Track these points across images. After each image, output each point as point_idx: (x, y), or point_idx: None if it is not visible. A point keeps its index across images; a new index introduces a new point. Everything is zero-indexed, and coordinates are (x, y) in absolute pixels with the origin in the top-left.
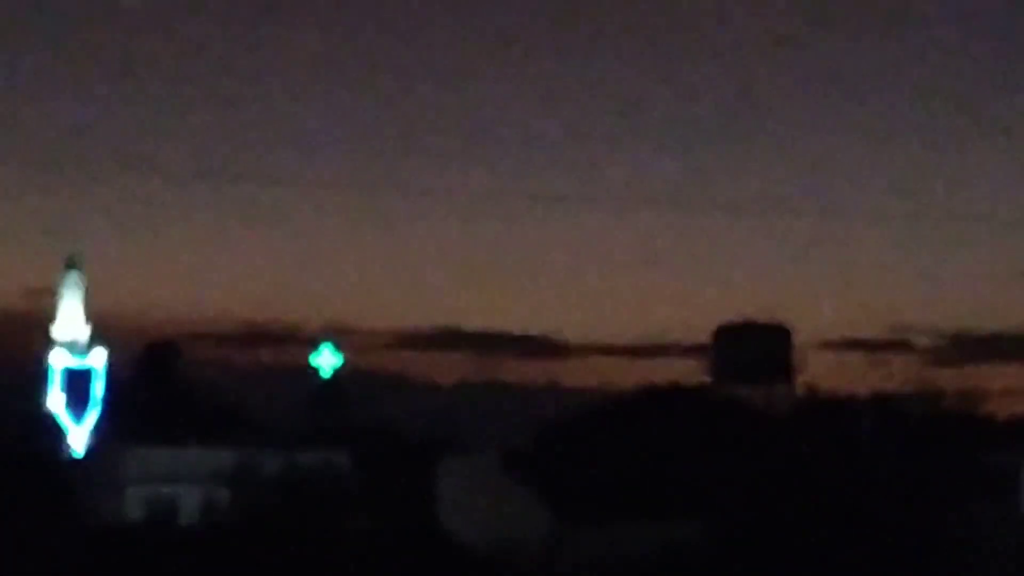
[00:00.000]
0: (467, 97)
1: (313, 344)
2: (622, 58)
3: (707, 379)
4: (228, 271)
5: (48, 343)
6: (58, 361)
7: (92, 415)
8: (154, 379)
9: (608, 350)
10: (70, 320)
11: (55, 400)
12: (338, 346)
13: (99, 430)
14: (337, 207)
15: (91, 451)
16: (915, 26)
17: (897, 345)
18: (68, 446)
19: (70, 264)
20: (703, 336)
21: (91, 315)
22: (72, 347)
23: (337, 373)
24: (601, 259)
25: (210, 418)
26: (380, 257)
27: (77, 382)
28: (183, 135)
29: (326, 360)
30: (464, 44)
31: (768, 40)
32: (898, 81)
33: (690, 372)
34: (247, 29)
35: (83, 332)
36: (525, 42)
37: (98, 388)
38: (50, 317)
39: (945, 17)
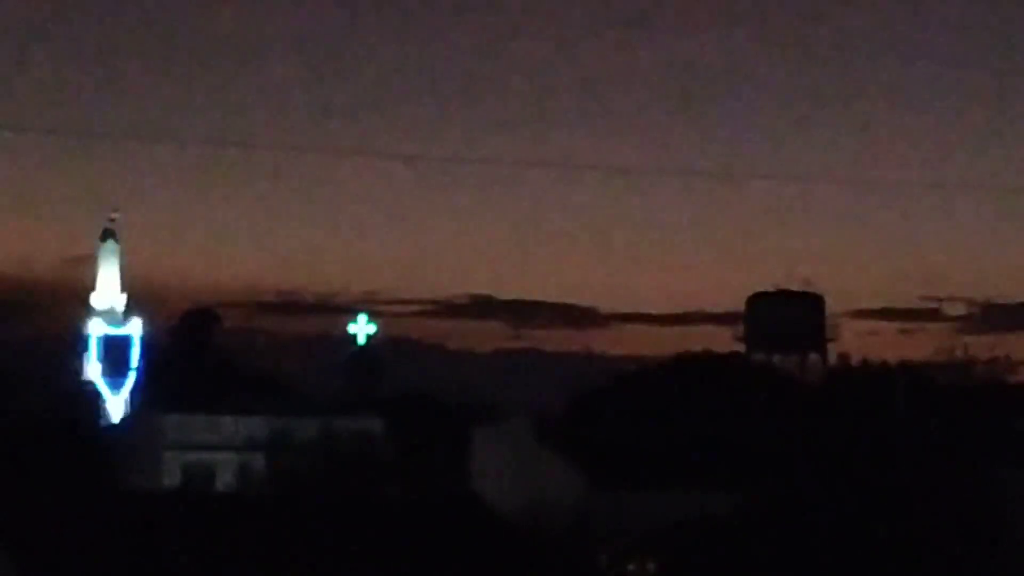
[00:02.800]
0: (502, 69)
1: (349, 313)
2: (654, 33)
3: (740, 347)
4: (265, 241)
5: (86, 312)
6: (96, 330)
7: (129, 383)
8: (191, 347)
9: (642, 318)
10: (107, 289)
11: (93, 368)
12: (374, 315)
13: (136, 397)
14: (374, 177)
15: (128, 418)
16: None
17: (929, 314)
18: (106, 414)
19: (107, 234)
20: (737, 304)
21: (128, 284)
22: (109, 316)
23: (372, 341)
24: (635, 229)
25: (247, 386)
26: (416, 227)
27: (114, 350)
28: (220, 105)
29: (362, 328)
30: (498, 16)
31: (796, 11)
32: (930, 50)
33: (724, 340)
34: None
35: (120, 301)
36: (562, 14)
37: (135, 356)
38: (88, 286)
39: None
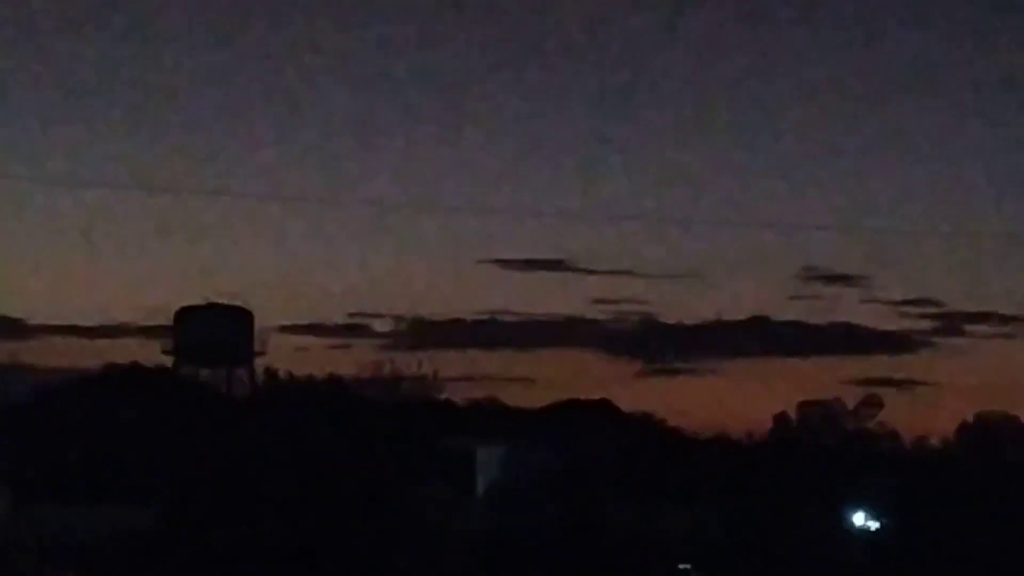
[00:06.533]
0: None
1: None
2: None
3: (168, 361)
4: None
5: None
6: None
7: None
8: None
9: (71, 330)
10: None
11: None
12: None
13: None
14: None
15: None
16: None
17: (357, 330)
18: None
19: None
20: (167, 318)
21: None
22: None
23: None
24: (64, 238)
25: None
26: None
27: None
28: None
29: None
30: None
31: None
32: (408, 72)
33: (152, 354)
34: None
35: None
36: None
37: None
38: None
39: None
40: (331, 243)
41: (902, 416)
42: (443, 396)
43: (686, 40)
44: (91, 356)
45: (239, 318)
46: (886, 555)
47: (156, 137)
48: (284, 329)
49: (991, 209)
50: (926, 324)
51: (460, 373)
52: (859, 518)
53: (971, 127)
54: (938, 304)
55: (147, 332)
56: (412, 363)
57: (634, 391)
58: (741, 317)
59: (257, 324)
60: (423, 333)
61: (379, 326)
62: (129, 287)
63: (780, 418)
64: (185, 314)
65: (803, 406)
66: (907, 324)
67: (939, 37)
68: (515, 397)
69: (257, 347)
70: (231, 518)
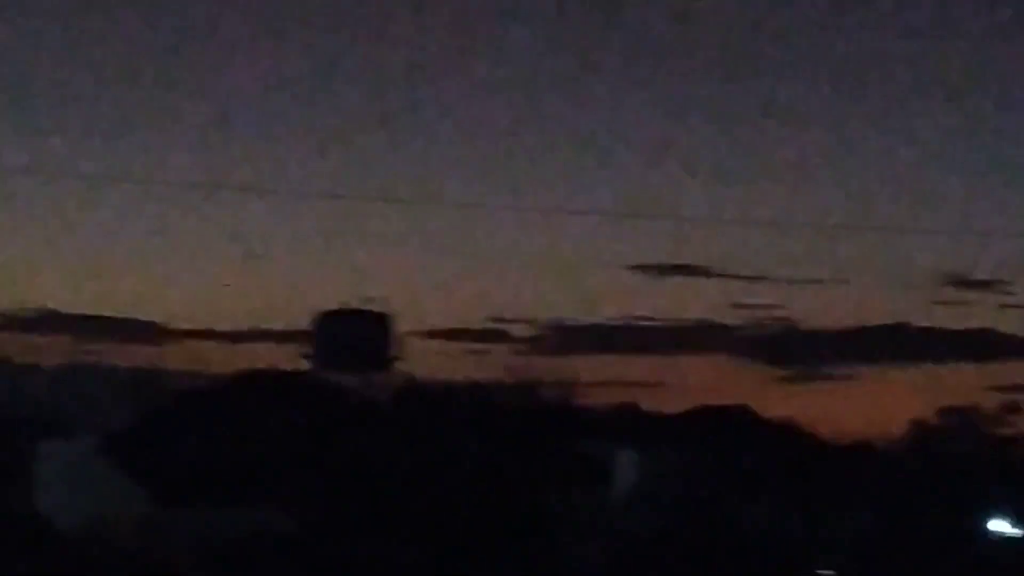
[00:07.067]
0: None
1: None
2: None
3: (308, 366)
4: None
5: None
6: None
7: None
8: None
9: (208, 335)
10: None
11: None
12: None
13: None
14: None
15: None
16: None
17: (496, 334)
18: None
19: None
20: (304, 322)
21: None
22: None
23: None
24: (199, 243)
25: None
26: None
27: None
28: None
29: None
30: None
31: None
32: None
33: (291, 358)
34: None
35: None
36: None
37: None
38: None
39: None
40: (471, 247)
41: None
42: (581, 401)
43: (820, 44)
44: (229, 360)
45: (379, 322)
46: None
47: (301, 141)
48: (423, 334)
49: None
50: None
51: (598, 378)
52: (1001, 525)
53: None
54: None
55: (286, 337)
56: (550, 368)
57: (773, 397)
58: (882, 323)
59: (397, 328)
60: (562, 338)
61: (518, 331)
62: (268, 291)
63: (920, 424)
64: (324, 318)
65: (943, 412)
66: None
67: None
68: (653, 402)
69: (397, 352)
70: (370, 523)
